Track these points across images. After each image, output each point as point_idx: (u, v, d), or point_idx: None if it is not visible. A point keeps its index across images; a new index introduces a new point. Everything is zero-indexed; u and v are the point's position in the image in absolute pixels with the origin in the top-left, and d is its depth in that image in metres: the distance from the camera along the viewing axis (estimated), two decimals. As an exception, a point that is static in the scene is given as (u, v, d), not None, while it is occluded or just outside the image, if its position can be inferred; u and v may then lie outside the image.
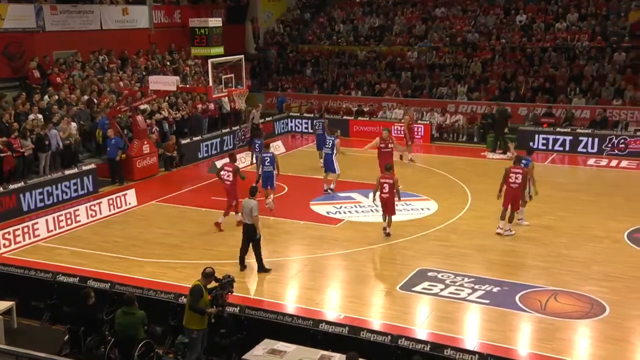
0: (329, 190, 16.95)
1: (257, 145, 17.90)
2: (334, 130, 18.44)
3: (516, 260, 12.41)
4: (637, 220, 14.17)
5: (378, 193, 13.74)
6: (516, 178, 13.47)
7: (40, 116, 18.17)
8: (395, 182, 13.54)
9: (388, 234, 13.74)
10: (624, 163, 19.89)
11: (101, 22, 23.69)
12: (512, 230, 13.75)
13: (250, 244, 11.90)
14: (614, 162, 19.78)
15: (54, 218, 14.40)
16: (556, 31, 26.31)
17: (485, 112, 23.16)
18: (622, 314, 10.19)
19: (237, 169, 14.39)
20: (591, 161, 20.33)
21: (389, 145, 17.06)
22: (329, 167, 17.04)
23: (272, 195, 15.63)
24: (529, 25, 27.03)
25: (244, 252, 12.05)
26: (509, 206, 13.57)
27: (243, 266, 12.06)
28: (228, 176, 14.21)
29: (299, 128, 25.17)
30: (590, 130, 21.28)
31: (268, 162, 15.54)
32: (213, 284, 8.71)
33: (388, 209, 13.71)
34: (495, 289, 11.06)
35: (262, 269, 11.98)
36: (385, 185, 13.56)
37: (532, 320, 10.11)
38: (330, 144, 17.08)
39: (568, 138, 21.25)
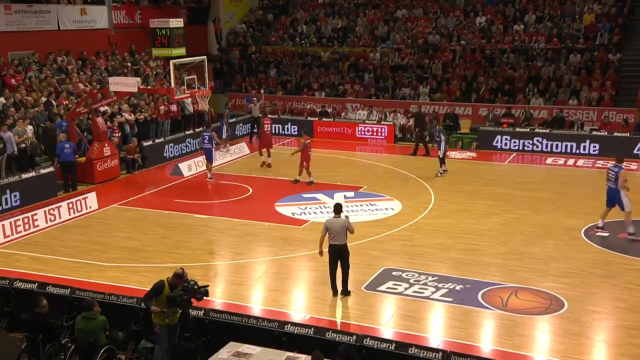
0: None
1: (206, 136, 18.62)
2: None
3: (478, 258, 12.61)
4: (593, 218, 14.53)
5: None
6: None
7: (-3, 118, 17.69)
8: None
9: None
10: (580, 162, 20.44)
11: (58, 23, 23.20)
12: None
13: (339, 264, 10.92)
14: (570, 161, 20.30)
15: (10, 223, 14.00)
16: (514, 33, 26.87)
17: (447, 113, 23.56)
18: (580, 309, 10.45)
19: None
20: (549, 160, 20.82)
21: None
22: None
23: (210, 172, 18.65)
24: (488, 27, 27.54)
25: (334, 273, 10.95)
26: None
27: (336, 291, 10.97)
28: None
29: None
30: (548, 130, 21.81)
31: (207, 140, 18.39)
32: None
33: None
34: (458, 287, 11.23)
35: (347, 291, 11.03)
36: None
37: (493, 317, 10.29)
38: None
39: (527, 137, 21.72)
